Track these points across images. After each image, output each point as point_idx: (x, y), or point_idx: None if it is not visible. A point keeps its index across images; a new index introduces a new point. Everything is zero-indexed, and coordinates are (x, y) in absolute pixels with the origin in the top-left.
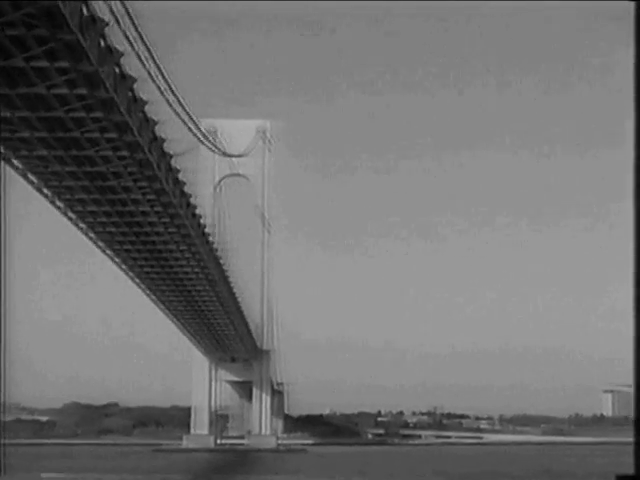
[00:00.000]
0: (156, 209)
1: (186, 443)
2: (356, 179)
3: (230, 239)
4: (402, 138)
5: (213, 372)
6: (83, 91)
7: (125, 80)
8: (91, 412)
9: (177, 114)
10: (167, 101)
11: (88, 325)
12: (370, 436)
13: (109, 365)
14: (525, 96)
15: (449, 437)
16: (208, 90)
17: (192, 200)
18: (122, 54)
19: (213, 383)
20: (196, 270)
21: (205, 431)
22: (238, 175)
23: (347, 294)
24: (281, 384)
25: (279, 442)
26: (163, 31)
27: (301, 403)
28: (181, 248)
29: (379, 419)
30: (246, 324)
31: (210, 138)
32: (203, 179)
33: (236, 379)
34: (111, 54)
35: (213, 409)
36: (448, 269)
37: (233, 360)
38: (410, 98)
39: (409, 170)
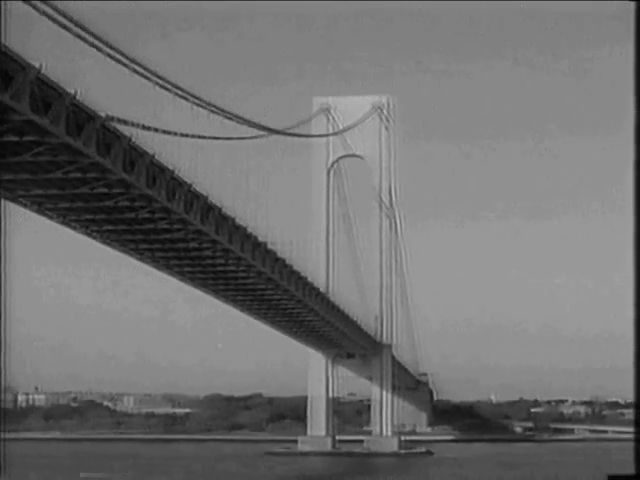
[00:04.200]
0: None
1: (301, 446)
2: (473, 159)
3: (348, 225)
4: (527, 120)
5: (330, 369)
6: (94, 174)
7: (142, 157)
8: (231, 404)
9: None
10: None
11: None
12: (519, 429)
13: (254, 356)
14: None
15: (605, 432)
16: (321, 68)
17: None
18: (130, 138)
19: (331, 380)
20: (242, 269)
21: (322, 432)
22: (353, 156)
23: (482, 274)
24: (424, 374)
25: (402, 439)
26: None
27: (452, 392)
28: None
29: (532, 410)
30: (351, 320)
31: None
32: (316, 162)
33: (355, 376)
34: (118, 139)
35: (330, 407)
36: (598, 247)
37: (349, 356)
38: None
39: (532, 152)
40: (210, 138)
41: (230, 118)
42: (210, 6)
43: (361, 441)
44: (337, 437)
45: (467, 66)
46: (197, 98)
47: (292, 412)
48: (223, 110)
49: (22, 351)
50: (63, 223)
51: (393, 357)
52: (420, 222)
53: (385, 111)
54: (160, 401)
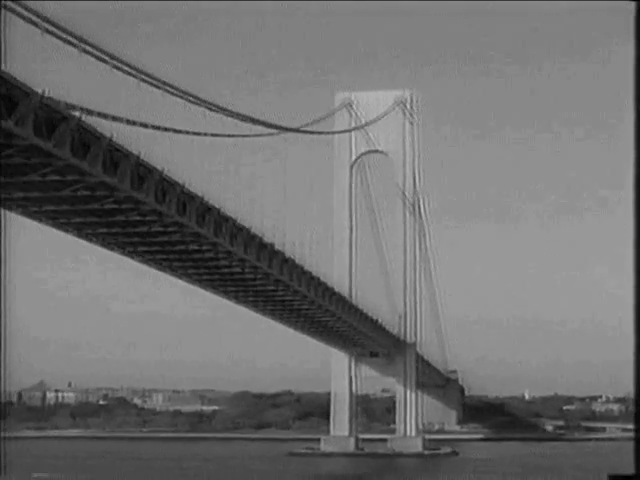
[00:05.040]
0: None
1: (324, 446)
2: (499, 150)
3: (372, 222)
4: (551, 116)
5: (353, 368)
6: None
7: (126, 157)
8: (260, 402)
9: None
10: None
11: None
12: (550, 428)
13: (285, 353)
14: None
15: (638, 430)
16: (342, 62)
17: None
18: (109, 139)
19: (354, 379)
20: (248, 270)
21: (345, 432)
22: (376, 152)
23: (513, 271)
24: (453, 371)
25: (426, 437)
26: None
27: (485, 388)
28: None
29: (564, 407)
30: (370, 320)
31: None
32: (339, 158)
33: (379, 375)
34: (98, 140)
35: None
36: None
37: (373, 355)
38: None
39: (561, 147)
40: (209, 135)
41: (231, 116)
42: (233, 3)
43: (385, 440)
44: (361, 436)
45: (490, 64)
46: (218, 106)
47: (318, 410)
48: (232, 111)
49: (55, 350)
50: (54, 226)
51: (418, 355)
52: (445, 217)
53: (408, 105)
54: (189, 397)
